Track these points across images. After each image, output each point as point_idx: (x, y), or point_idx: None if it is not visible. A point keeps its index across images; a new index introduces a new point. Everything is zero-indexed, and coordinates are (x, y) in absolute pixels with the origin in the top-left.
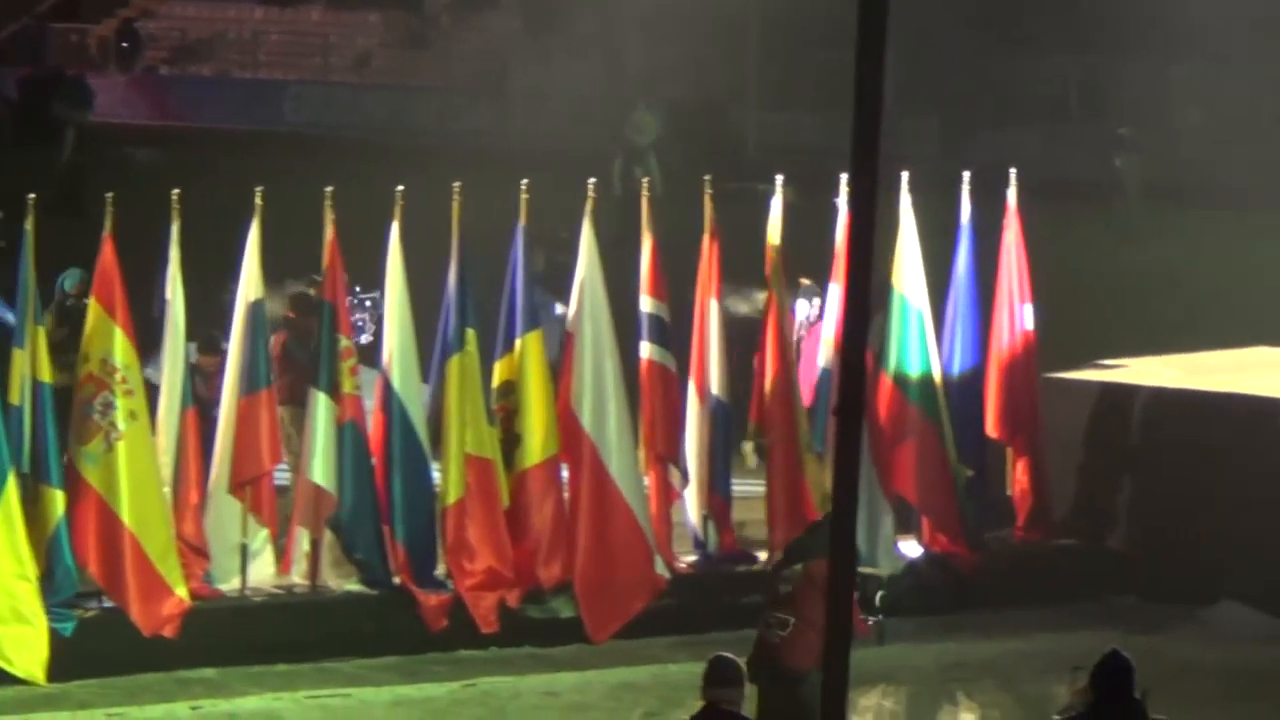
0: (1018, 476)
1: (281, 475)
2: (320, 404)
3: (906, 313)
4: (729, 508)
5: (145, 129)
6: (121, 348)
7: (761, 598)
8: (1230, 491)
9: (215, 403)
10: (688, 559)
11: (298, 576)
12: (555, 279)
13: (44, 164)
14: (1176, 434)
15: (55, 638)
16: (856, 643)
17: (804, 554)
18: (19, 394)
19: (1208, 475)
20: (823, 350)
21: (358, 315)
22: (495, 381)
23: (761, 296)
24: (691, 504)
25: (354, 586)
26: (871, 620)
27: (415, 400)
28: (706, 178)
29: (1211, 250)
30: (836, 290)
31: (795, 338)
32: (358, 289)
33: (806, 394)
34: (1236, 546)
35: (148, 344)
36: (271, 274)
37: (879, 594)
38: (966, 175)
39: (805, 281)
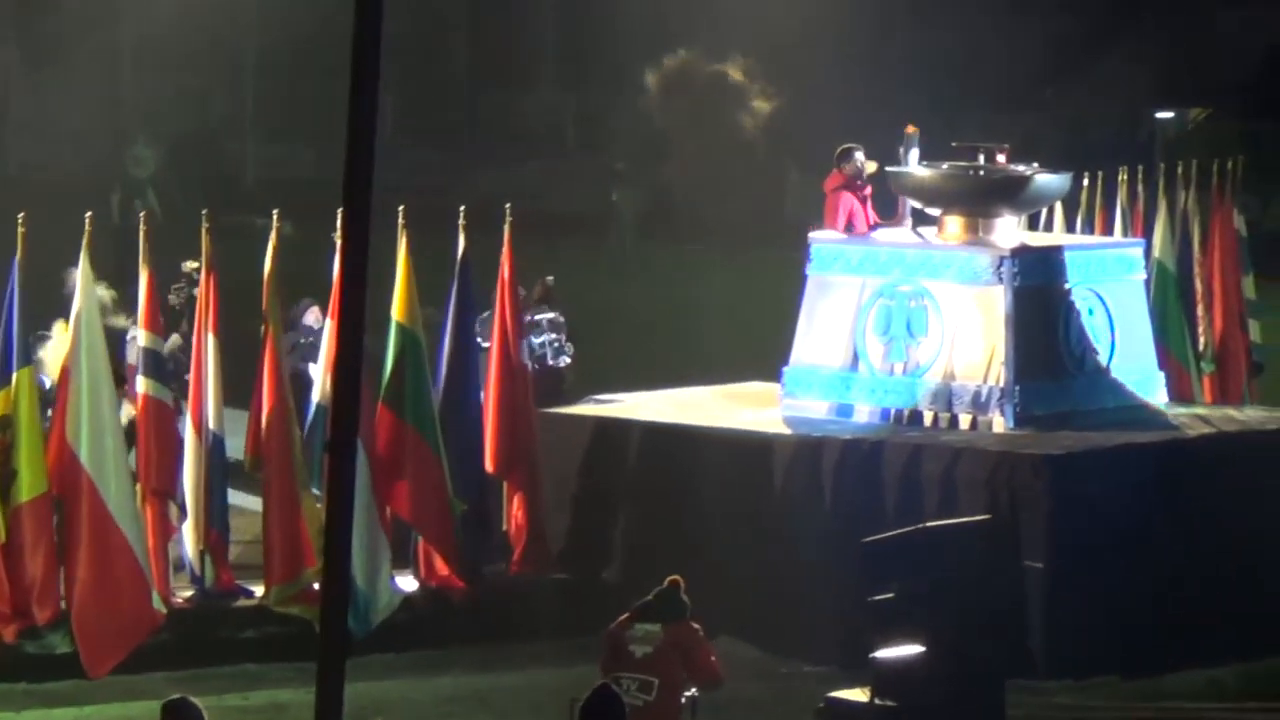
0: (514, 511)
1: None
2: None
3: (404, 342)
4: (226, 543)
5: None
6: None
7: (604, 654)
8: (722, 526)
9: None
10: (185, 594)
11: None
12: None
13: None
14: (669, 469)
15: None
16: None
17: (657, 615)
18: None
19: (700, 510)
20: (317, 387)
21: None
22: None
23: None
24: (189, 538)
25: None
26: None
27: None
28: (204, 211)
29: (705, 285)
30: (329, 325)
31: None
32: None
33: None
34: (729, 580)
35: None
36: None
37: None
38: (462, 209)
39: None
